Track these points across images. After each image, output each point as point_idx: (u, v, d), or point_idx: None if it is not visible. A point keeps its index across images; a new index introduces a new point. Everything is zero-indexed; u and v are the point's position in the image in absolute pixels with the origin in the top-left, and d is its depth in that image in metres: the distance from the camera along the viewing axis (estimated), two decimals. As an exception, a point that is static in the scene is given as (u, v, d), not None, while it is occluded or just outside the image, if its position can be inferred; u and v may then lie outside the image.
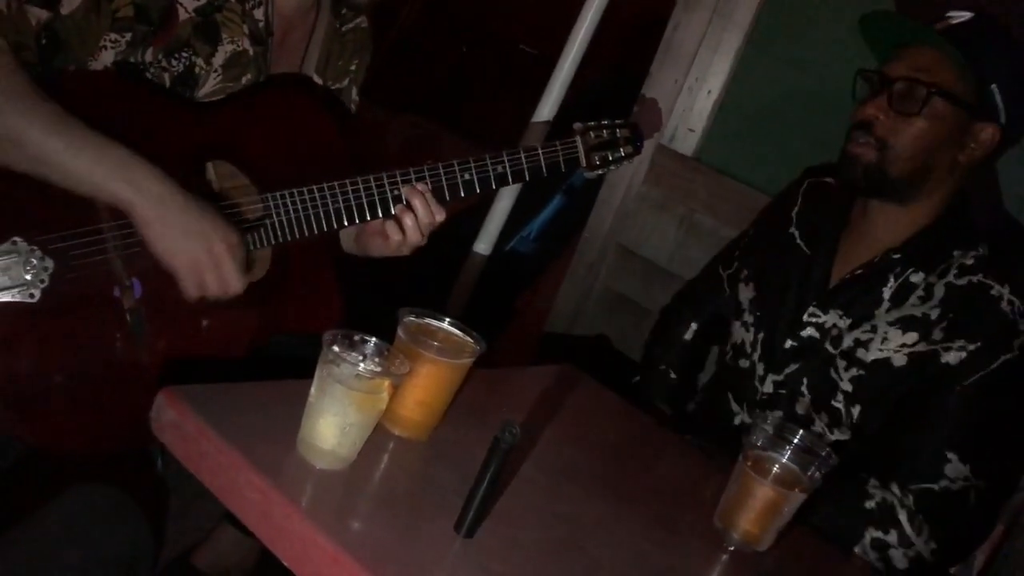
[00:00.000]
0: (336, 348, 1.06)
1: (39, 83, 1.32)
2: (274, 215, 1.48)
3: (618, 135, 1.72)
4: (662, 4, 2.48)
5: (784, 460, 1.23)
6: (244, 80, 1.55)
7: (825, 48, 2.16)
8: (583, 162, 1.68)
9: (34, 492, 1.24)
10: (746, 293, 1.82)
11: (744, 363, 1.76)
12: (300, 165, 1.55)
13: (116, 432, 1.40)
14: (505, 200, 2.51)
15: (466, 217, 2.48)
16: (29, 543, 1.18)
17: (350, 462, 1.08)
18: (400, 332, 1.18)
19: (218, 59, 1.51)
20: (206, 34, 1.49)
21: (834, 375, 1.61)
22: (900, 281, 1.59)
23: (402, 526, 1.02)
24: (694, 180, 2.32)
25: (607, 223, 2.45)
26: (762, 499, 1.20)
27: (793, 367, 1.66)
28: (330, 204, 1.51)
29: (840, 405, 1.61)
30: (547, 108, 2.45)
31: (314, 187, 1.50)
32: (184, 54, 1.48)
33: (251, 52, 1.55)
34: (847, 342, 1.60)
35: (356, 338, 1.11)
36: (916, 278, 1.58)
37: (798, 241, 1.77)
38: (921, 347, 1.54)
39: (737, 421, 1.76)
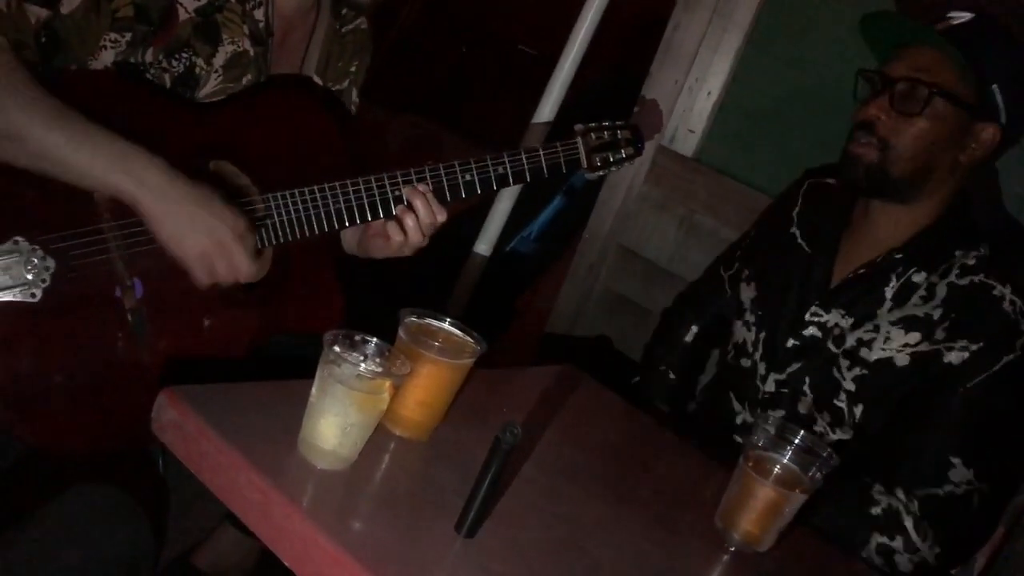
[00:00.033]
0: (337, 348, 1.06)
1: (40, 81, 1.33)
2: (275, 215, 1.48)
3: (619, 136, 1.72)
4: (662, 4, 2.48)
5: (785, 461, 1.23)
6: (245, 81, 1.55)
7: (825, 48, 2.17)
8: (584, 163, 1.69)
9: (34, 492, 1.25)
10: (748, 293, 1.82)
11: (746, 362, 1.76)
12: (301, 165, 1.55)
13: (117, 432, 1.40)
14: (506, 201, 2.51)
15: (467, 218, 2.48)
16: (29, 543, 1.18)
17: (351, 462, 1.08)
18: (401, 332, 1.18)
19: (219, 59, 1.51)
20: (206, 34, 1.49)
21: (837, 374, 1.61)
22: (902, 281, 1.59)
23: (403, 526, 1.02)
24: (694, 181, 2.32)
25: (607, 224, 2.45)
26: (763, 500, 1.20)
27: (795, 366, 1.67)
28: (331, 205, 1.51)
29: (843, 404, 1.61)
30: (547, 108, 2.45)
31: (315, 187, 1.50)
32: (184, 54, 1.48)
33: (251, 53, 1.55)
34: (850, 341, 1.60)
35: (357, 338, 1.11)
36: (918, 278, 1.58)
37: (799, 241, 1.77)
38: (924, 347, 1.54)
39: (739, 420, 1.76)
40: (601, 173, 1.72)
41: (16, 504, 1.24)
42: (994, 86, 1.54)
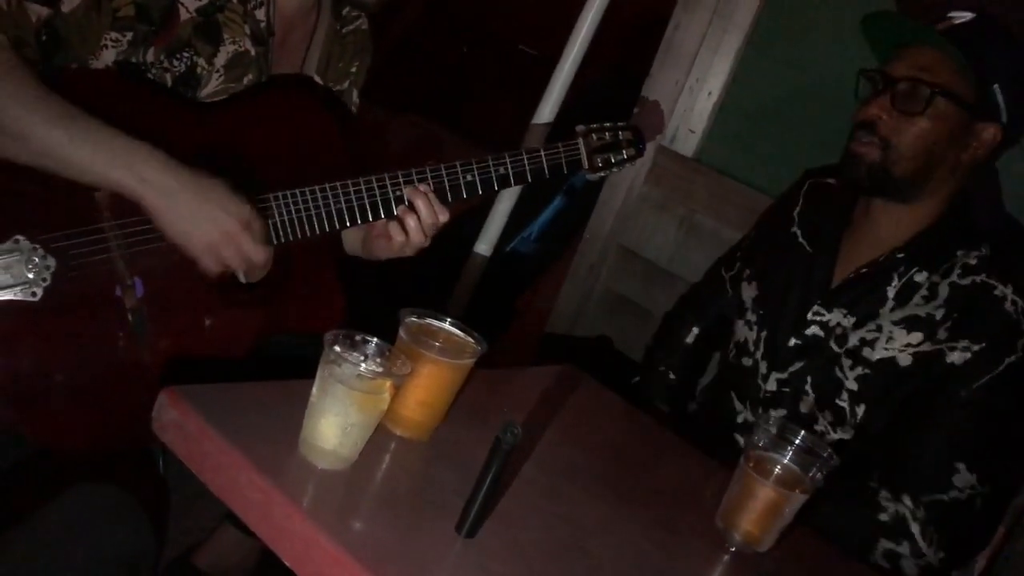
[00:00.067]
0: (338, 348, 1.06)
1: (41, 79, 1.33)
2: (276, 215, 1.48)
3: (620, 137, 1.72)
4: (662, 4, 2.49)
5: (785, 461, 1.23)
6: (246, 80, 1.55)
7: (825, 49, 2.17)
8: (585, 164, 1.69)
9: (35, 492, 1.24)
10: (749, 292, 1.82)
11: (747, 361, 1.76)
12: (302, 165, 1.55)
13: (118, 431, 1.40)
14: (506, 201, 2.51)
15: (467, 218, 2.48)
16: (30, 543, 1.18)
17: (351, 462, 1.08)
18: (401, 332, 1.18)
19: (220, 59, 1.51)
20: (207, 34, 1.49)
21: (839, 374, 1.61)
22: (904, 280, 1.59)
23: (403, 526, 1.02)
24: (694, 181, 2.32)
25: (608, 224, 2.46)
26: (763, 500, 1.20)
27: (797, 365, 1.67)
28: (332, 205, 1.51)
29: (845, 404, 1.61)
30: (548, 109, 2.45)
31: (316, 187, 1.50)
32: (186, 54, 1.48)
33: (253, 52, 1.55)
34: (852, 341, 1.61)
35: (358, 338, 1.11)
36: (920, 277, 1.59)
37: (800, 240, 1.77)
38: (926, 347, 1.55)
39: (740, 419, 1.76)
40: (602, 174, 1.73)
41: (16, 504, 1.24)
42: (995, 86, 1.55)
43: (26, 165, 1.30)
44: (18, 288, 1.30)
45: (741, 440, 1.73)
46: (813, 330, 1.66)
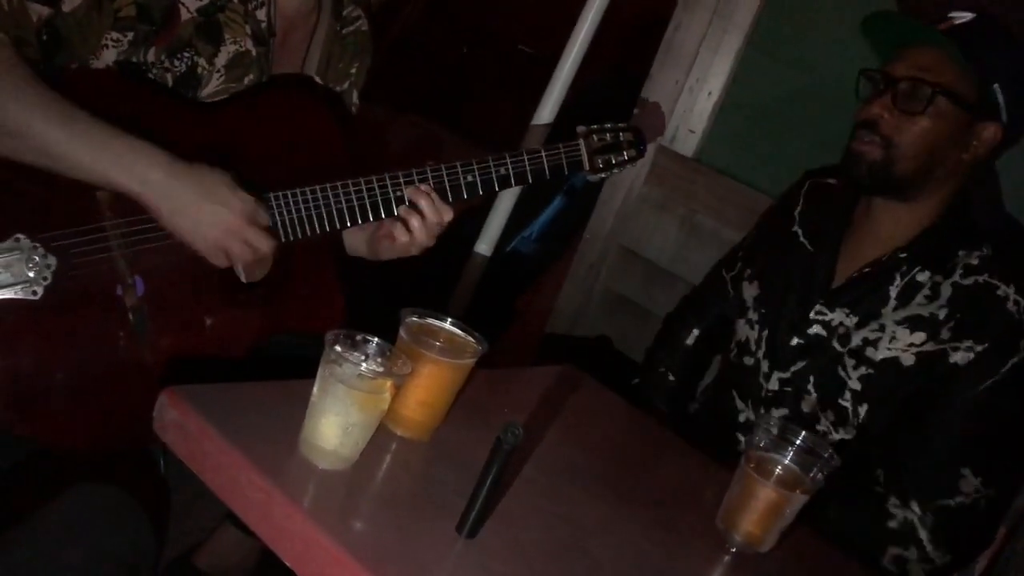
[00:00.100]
0: (338, 348, 1.06)
1: (42, 78, 1.32)
2: (276, 215, 1.48)
3: (621, 139, 1.72)
4: (662, 5, 2.49)
5: (786, 461, 1.23)
6: (247, 80, 1.55)
7: (825, 49, 2.17)
8: (586, 165, 1.68)
9: (35, 492, 1.24)
10: (750, 291, 1.83)
11: (749, 360, 1.76)
12: (303, 165, 1.55)
13: (118, 430, 1.40)
14: (506, 201, 2.51)
15: (468, 218, 2.47)
16: (30, 543, 1.18)
17: (352, 462, 1.08)
18: (402, 332, 1.18)
19: (220, 59, 1.51)
20: (208, 34, 1.49)
21: (842, 373, 1.62)
22: (906, 280, 1.60)
23: (404, 526, 1.02)
24: (695, 181, 2.32)
25: (608, 224, 2.46)
26: (764, 500, 1.20)
27: (800, 364, 1.67)
28: (332, 205, 1.51)
29: (847, 404, 1.62)
30: (548, 109, 2.45)
31: (317, 187, 1.50)
32: (186, 54, 1.47)
33: (253, 52, 1.55)
34: (855, 340, 1.61)
35: (358, 338, 1.11)
36: (922, 277, 1.59)
37: (802, 239, 1.78)
38: (929, 347, 1.55)
39: (742, 418, 1.76)
40: (603, 175, 1.73)
41: (16, 504, 1.24)
42: (995, 85, 1.55)
43: (26, 164, 1.30)
44: (18, 287, 1.30)
45: (743, 439, 1.73)
46: (816, 329, 1.66)
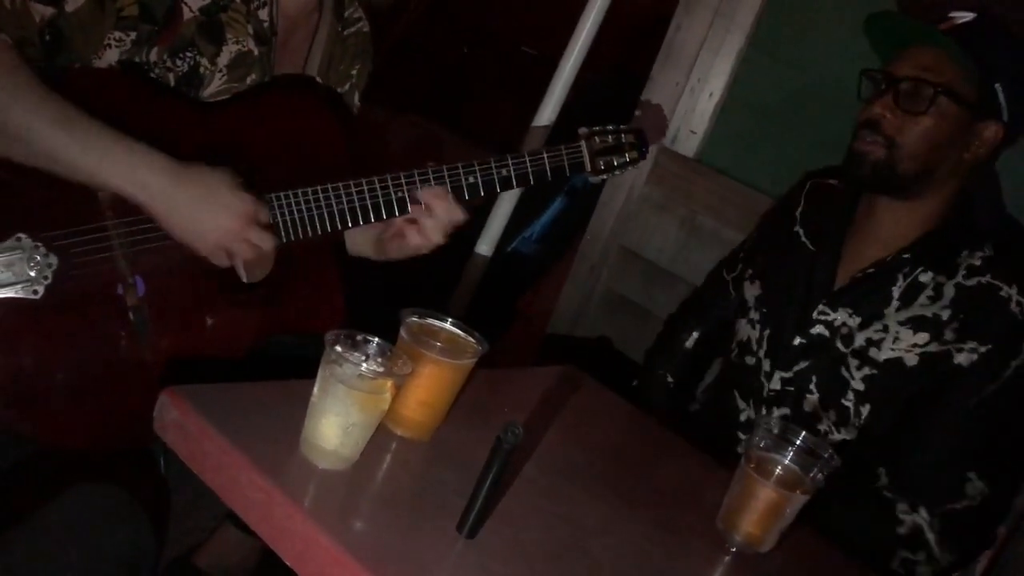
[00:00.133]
0: (339, 348, 1.06)
1: (44, 79, 1.32)
2: (278, 215, 1.48)
3: (623, 140, 1.72)
4: (663, 5, 2.49)
5: (786, 462, 1.23)
6: (249, 80, 1.55)
7: (826, 49, 2.17)
8: (588, 167, 1.68)
9: (36, 492, 1.24)
10: (752, 291, 1.83)
11: (750, 360, 1.77)
12: (305, 165, 1.55)
13: (118, 430, 1.40)
14: (507, 201, 2.51)
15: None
16: (31, 542, 1.18)
17: (352, 462, 1.08)
18: (402, 332, 1.18)
19: (223, 59, 1.51)
20: (210, 34, 1.49)
21: (845, 373, 1.62)
22: (909, 280, 1.60)
23: (404, 526, 1.02)
24: (696, 182, 2.32)
25: (609, 224, 2.46)
26: (764, 501, 1.20)
27: (802, 364, 1.68)
28: (334, 205, 1.51)
29: (850, 404, 1.62)
30: (549, 109, 2.45)
31: (319, 188, 1.50)
32: (189, 54, 1.48)
33: (256, 52, 1.55)
34: (859, 341, 1.61)
35: (359, 338, 1.11)
36: (925, 277, 1.60)
37: (803, 239, 1.78)
38: (933, 347, 1.56)
39: (743, 418, 1.77)
40: (604, 177, 1.72)
41: (16, 504, 1.24)
42: (996, 84, 1.56)
43: (31, 166, 1.30)
44: (19, 286, 1.30)
45: (744, 438, 1.73)
46: (818, 329, 1.67)
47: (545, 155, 1.63)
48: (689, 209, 2.33)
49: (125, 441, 1.42)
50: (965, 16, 1.57)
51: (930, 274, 1.60)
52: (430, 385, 1.17)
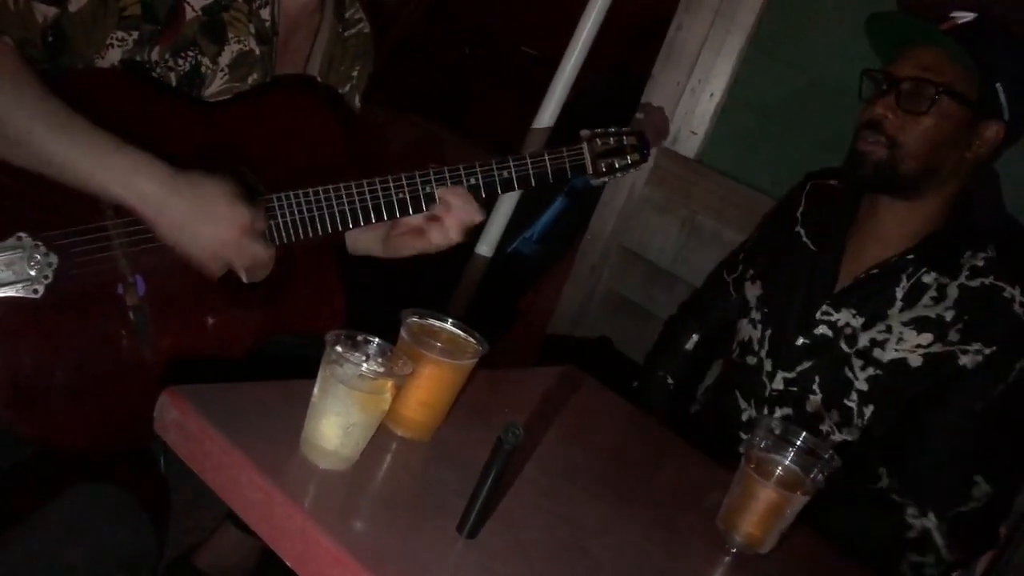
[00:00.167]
0: (339, 348, 1.06)
1: (45, 81, 1.32)
2: (279, 216, 1.48)
3: (625, 143, 1.72)
4: (664, 5, 2.48)
5: (787, 462, 1.23)
6: (250, 80, 1.55)
7: (827, 50, 2.17)
8: (590, 169, 1.68)
9: (35, 492, 1.24)
10: (753, 291, 1.83)
11: (752, 359, 1.77)
12: (307, 165, 1.55)
13: (118, 430, 1.40)
14: (508, 202, 2.51)
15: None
16: (31, 542, 1.18)
17: (353, 462, 1.08)
18: (403, 333, 1.18)
19: (224, 59, 1.51)
20: (212, 33, 1.49)
21: (849, 374, 1.63)
22: (912, 281, 1.61)
23: (404, 526, 1.02)
24: (696, 182, 2.32)
25: (610, 225, 2.46)
26: (764, 501, 1.20)
27: (806, 364, 1.68)
28: (335, 206, 1.51)
29: (853, 404, 1.63)
30: (550, 109, 2.45)
31: (320, 188, 1.50)
32: (190, 53, 1.47)
33: (257, 52, 1.54)
34: (863, 341, 1.62)
35: (359, 338, 1.11)
36: (928, 278, 1.60)
37: (804, 239, 1.78)
38: (937, 348, 1.57)
39: (744, 418, 1.77)
40: (606, 179, 1.72)
41: (17, 504, 1.24)
42: (997, 84, 1.56)
43: (29, 169, 1.30)
44: (20, 285, 1.30)
45: (746, 438, 1.74)
46: (822, 330, 1.67)
47: (546, 157, 1.63)
48: (690, 210, 2.33)
49: (125, 441, 1.42)
50: (966, 16, 1.58)
51: (933, 275, 1.60)
52: (430, 385, 1.17)
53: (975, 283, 1.57)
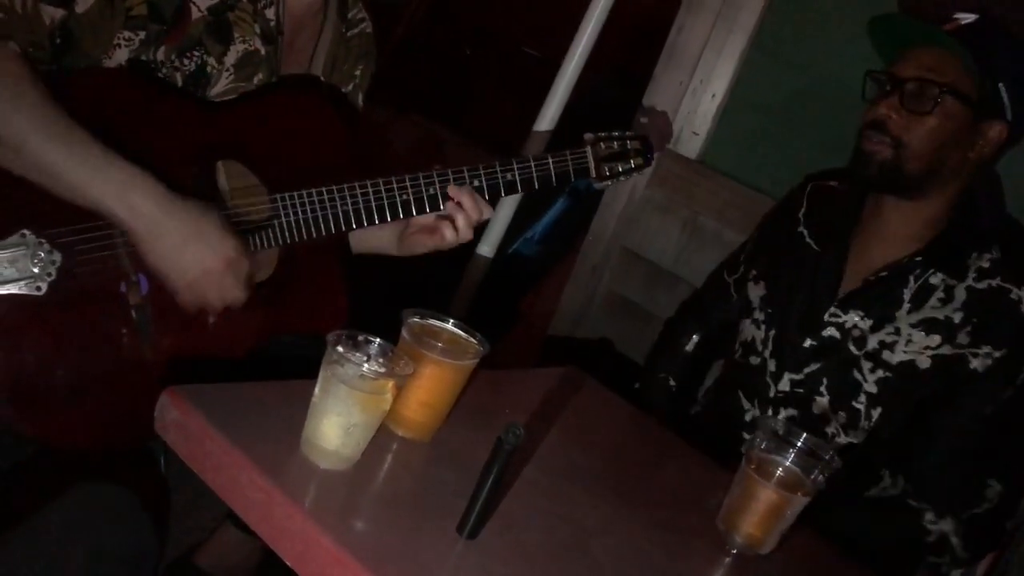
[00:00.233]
0: (340, 348, 1.06)
1: (50, 84, 1.32)
2: (282, 216, 1.48)
3: (628, 146, 1.72)
4: (666, 6, 2.49)
5: (787, 463, 1.23)
6: (256, 80, 1.55)
7: (829, 51, 2.17)
8: (593, 173, 1.68)
9: (36, 491, 1.24)
10: (756, 291, 1.83)
11: (755, 360, 1.77)
12: (311, 165, 1.55)
13: (119, 429, 1.40)
14: (509, 203, 2.51)
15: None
16: (32, 542, 1.18)
17: (353, 462, 1.08)
18: (404, 333, 1.18)
19: (230, 58, 1.51)
20: (218, 33, 1.49)
21: (857, 376, 1.63)
22: (920, 283, 1.61)
23: (405, 527, 1.02)
24: (698, 183, 2.32)
25: (611, 226, 2.45)
26: (765, 502, 1.20)
27: (813, 367, 1.68)
28: (338, 206, 1.51)
29: (861, 406, 1.63)
30: (551, 110, 2.45)
31: (323, 189, 1.50)
32: (196, 53, 1.47)
33: (262, 52, 1.55)
34: (872, 343, 1.62)
35: (360, 339, 1.11)
36: (935, 279, 1.61)
37: (808, 240, 1.78)
38: (946, 350, 1.57)
39: (748, 418, 1.77)
40: (609, 183, 1.72)
41: (16, 504, 1.24)
42: (1000, 84, 1.57)
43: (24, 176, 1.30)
44: (23, 282, 1.30)
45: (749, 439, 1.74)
46: (830, 332, 1.67)
47: (550, 160, 1.63)
48: (691, 211, 2.33)
49: (126, 440, 1.42)
50: (968, 17, 1.59)
51: (940, 276, 1.61)
52: (431, 386, 1.17)
53: (982, 285, 1.58)
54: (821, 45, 2.18)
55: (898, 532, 1.60)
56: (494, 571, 0.99)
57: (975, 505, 1.56)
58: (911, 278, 1.62)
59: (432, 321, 1.23)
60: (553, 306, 2.57)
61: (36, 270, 1.31)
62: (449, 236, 1.58)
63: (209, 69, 1.49)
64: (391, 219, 1.55)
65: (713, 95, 2.33)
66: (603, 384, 1.63)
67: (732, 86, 2.32)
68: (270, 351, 1.53)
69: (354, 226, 1.53)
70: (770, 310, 1.78)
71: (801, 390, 1.69)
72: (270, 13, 1.54)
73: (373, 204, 1.53)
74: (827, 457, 1.23)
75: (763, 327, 1.78)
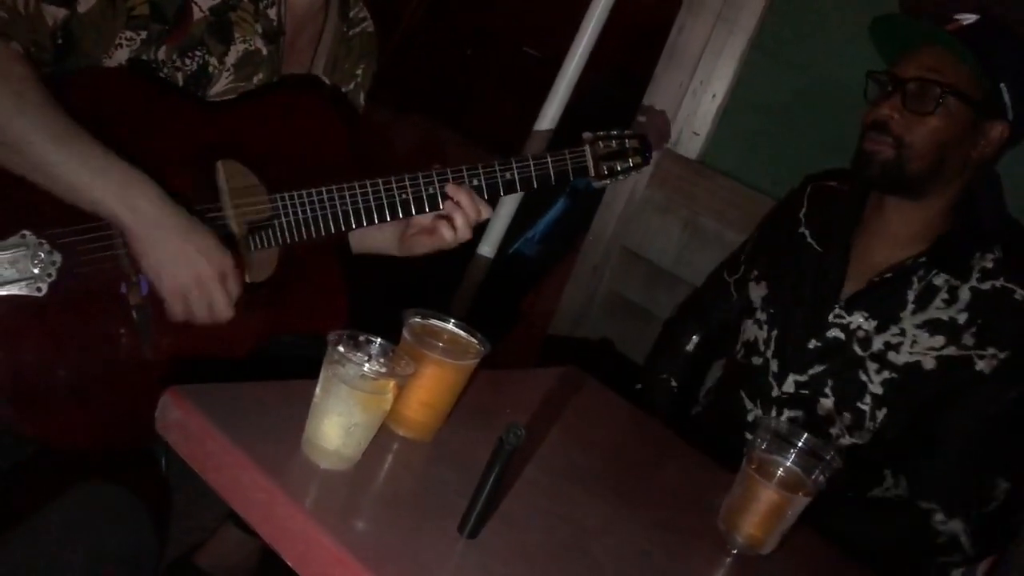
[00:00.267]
0: (341, 348, 1.06)
1: (51, 83, 1.32)
2: (282, 215, 1.48)
3: (627, 145, 1.72)
4: (666, 7, 2.48)
5: (788, 463, 1.23)
6: (256, 80, 1.55)
7: (829, 51, 2.17)
8: (592, 171, 1.69)
9: (37, 491, 1.24)
10: (758, 291, 1.83)
11: (757, 360, 1.77)
12: (311, 165, 1.55)
13: (120, 429, 1.40)
14: (509, 202, 2.51)
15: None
16: (32, 542, 1.18)
17: (354, 462, 1.08)
18: (405, 333, 1.18)
19: (231, 58, 1.51)
20: (219, 33, 1.49)
21: (863, 377, 1.63)
22: (923, 284, 1.61)
23: (405, 527, 1.02)
24: (698, 183, 2.32)
25: (611, 226, 2.45)
26: (766, 502, 1.20)
27: (818, 368, 1.68)
28: (338, 206, 1.51)
29: (866, 407, 1.63)
30: (552, 110, 2.45)
31: (323, 188, 1.50)
32: (197, 53, 1.47)
33: (264, 51, 1.55)
34: (877, 345, 1.63)
35: (361, 338, 1.11)
36: (939, 280, 1.61)
37: (809, 240, 1.78)
38: (951, 351, 1.57)
39: (751, 418, 1.77)
40: (607, 182, 1.72)
41: (16, 504, 1.24)
42: (1002, 84, 1.57)
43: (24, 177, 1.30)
44: (23, 283, 1.30)
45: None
46: (834, 333, 1.67)
47: (549, 159, 1.63)
48: (691, 211, 2.33)
49: (127, 440, 1.42)
50: (969, 18, 1.59)
51: (943, 277, 1.61)
52: (432, 386, 1.17)
53: (986, 286, 1.58)
54: (821, 45, 2.18)
55: (899, 532, 1.60)
56: (495, 571, 0.99)
57: (984, 503, 1.57)
58: (915, 279, 1.62)
59: (433, 321, 1.23)
60: (553, 306, 2.57)
61: (36, 271, 1.31)
62: (448, 236, 1.57)
63: (210, 69, 1.49)
64: (391, 219, 1.55)
65: (713, 95, 2.33)
66: (603, 384, 1.63)
67: (732, 86, 2.32)
68: (270, 351, 1.53)
69: (354, 226, 1.53)
70: (772, 310, 1.78)
71: (806, 391, 1.69)
72: (272, 13, 1.54)
73: (373, 204, 1.53)
74: (828, 457, 1.23)
75: (765, 327, 1.78)
